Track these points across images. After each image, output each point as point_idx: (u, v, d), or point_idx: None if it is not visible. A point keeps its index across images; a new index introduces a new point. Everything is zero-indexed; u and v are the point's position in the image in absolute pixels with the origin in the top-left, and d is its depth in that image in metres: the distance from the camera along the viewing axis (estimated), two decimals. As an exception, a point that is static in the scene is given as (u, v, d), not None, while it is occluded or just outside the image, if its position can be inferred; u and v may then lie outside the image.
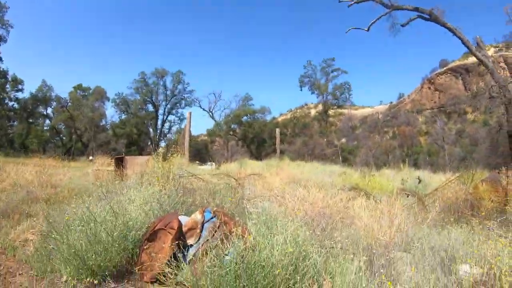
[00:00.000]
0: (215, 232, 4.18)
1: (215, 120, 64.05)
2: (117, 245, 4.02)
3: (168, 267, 3.71)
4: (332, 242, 4.47)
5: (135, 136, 57.33)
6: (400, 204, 6.23)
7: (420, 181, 11.14)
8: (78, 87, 60.13)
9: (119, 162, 10.83)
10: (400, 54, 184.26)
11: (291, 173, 14.60)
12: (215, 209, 4.76)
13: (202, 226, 4.37)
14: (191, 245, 4.21)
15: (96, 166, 13.37)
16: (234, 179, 9.51)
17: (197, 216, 4.53)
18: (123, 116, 61.50)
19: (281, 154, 30.39)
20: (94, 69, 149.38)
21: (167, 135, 65.66)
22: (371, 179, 11.36)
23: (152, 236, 4.07)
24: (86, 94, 60.76)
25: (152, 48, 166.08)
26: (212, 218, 4.48)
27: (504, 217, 6.77)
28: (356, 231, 5.31)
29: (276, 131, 28.34)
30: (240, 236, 3.70)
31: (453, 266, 4.63)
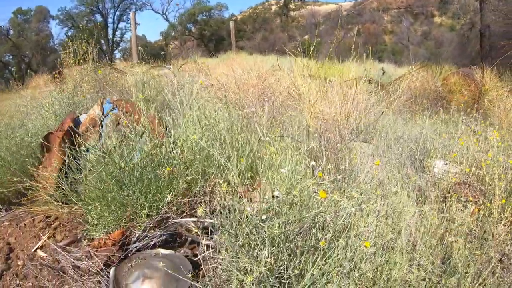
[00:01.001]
0: (117, 125, 3.40)
1: (169, 22, 58.41)
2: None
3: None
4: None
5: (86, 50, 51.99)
6: (360, 88, 4.78)
7: (384, 72, 9.88)
8: (18, 11, 51.50)
9: (60, 75, 9.04)
10: None
11: (244, 64, 12.95)
12: (115, 98, 3.91)
13: (102, 121, 3.50)
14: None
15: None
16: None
17: (95, 110, 3.63)
18: (70, 32, 54.37)
19: (240, 50, 28.05)
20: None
21: (120, 44, 60.05)
22: (332, 67, 9.94)
23: (45, 145, 3.11)
24: (28, 17, 52.51)
25: None
26: (112, 109, 3.66)
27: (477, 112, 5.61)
28: (301, 115, 3.90)
29: (231, 24, 25.37)
30: (151, 129, 2.91)
31: (426, 161, 3.44)
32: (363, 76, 8.42)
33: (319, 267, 1.38)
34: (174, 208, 2.58)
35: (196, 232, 1.85)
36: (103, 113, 3.63)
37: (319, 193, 1.11)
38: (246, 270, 1.50)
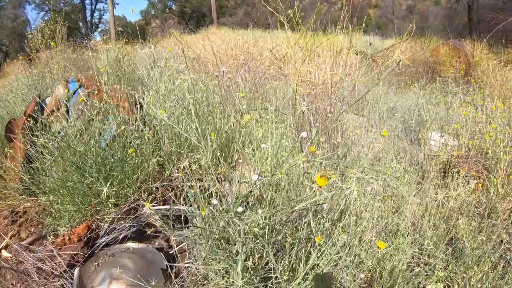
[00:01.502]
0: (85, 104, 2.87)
1: (149, 0, 56.73)
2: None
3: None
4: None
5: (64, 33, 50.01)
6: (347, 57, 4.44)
7: (371, 44, 9.54)
8: (-8, -3, 48.23)
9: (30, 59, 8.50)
10: None
11: (226, 38, 12.36)
12: (79, 76, 3.45)
13: (68, 102, 3.04)
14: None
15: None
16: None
17: (60, 90, 3.22)
18: (47, 17, 51.76)
19: (222, 25, 27.21)
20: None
21: (99, 26, 58.12)
22: (317, 39, 9.52)
23: (8, 132, 2.74)
24: (3, 3, 49.61)
25: None
26: (79, 88, 3.23)
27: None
28: (286, 85, 3.55)
29: (212, 0, 24.37)
30: (115, 106, 2.57)
31: (422, 133, 3.17)
32: (350, 48, 8.04)
33: (312, 266, 1.10)
34: (146, 195, 2.26)
35: (164, 223, 1.54)
36: (68, 94, 3.21)
37: (316, 179, 0.80)
38: (226, 270, 1.21)
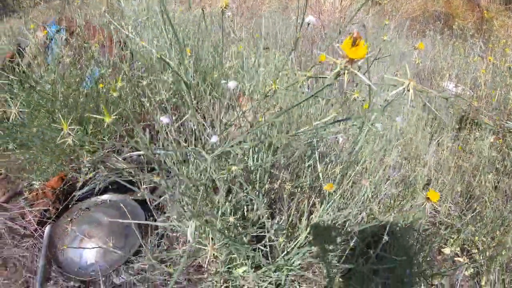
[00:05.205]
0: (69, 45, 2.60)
1: None
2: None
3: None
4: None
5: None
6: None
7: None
8: None
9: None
10: None
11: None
12: (59, 17, 3.11)
13: (48, 48, 2.72)
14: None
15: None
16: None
17: (39, 35, 2.85)
18: None
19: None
20: None
21: None
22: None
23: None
24: None
25: None
26: (59, 30, 2.89)
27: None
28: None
29: None
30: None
31: (435, 81, 2.85)
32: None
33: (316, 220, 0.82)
34: (125, 141, 1.97)
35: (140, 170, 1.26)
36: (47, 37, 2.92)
37: (343, 46, 0.38)
38: (209, 223, 0.94)
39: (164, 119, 0.85)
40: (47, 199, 1.74)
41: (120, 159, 1.20)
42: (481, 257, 1.51)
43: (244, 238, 0.89)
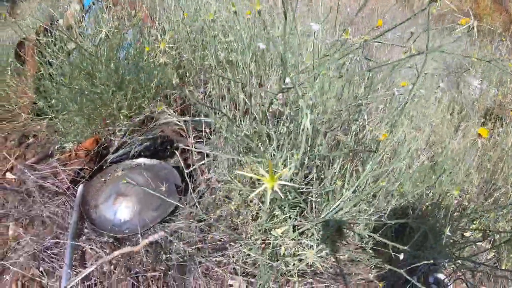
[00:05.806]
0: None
1: None
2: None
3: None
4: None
5: None
6: None
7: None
8: None
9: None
10: None
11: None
12: None
13: (89, 12, 2.61)
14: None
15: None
16: None
17: (74, 6, 2.72)
18: None
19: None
20: None
21: None
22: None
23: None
24: None
25: None
26: (94, 3, 2.71)
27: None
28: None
29: None
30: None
31: (462, 77, 2.87)
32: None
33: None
34: (181, 88, 2.00)
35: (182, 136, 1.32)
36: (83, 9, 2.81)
37: None
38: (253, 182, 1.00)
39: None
40: (81, 159, 1.79)
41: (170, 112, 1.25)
42: (503, 243, 1.55)
43: (289, 195, 0.95)
